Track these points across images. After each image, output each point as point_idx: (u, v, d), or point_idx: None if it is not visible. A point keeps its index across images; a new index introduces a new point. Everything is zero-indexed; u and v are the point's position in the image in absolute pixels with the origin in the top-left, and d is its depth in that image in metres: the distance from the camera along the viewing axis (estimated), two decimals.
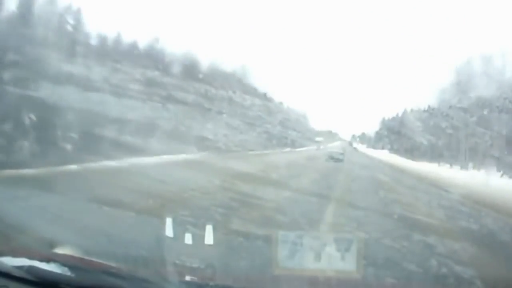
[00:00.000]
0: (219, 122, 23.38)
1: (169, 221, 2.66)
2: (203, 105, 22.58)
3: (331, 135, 36.94)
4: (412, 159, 28.52)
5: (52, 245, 2.88)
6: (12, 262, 2.19)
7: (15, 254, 2.30)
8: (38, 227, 4.21)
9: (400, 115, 33.36)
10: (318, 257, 2.49)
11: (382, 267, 3.99)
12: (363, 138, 40.39)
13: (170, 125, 19.32)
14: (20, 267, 2.15)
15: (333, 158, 24.17)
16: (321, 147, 33.01)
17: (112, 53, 20.42)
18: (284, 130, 29.30)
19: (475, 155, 23.15)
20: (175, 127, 19.58)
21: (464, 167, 23.50)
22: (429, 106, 29.33)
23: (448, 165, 24.97)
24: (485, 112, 22.76)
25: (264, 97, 28.77)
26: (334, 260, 2.47)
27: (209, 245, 2.71)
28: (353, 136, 40.50)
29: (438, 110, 27.44)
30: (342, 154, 26.17)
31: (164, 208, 6.29)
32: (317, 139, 34.73)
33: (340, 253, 2.47)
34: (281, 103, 30.91)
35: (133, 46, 22.36)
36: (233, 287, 2.38)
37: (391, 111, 35.18)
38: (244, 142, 24.58)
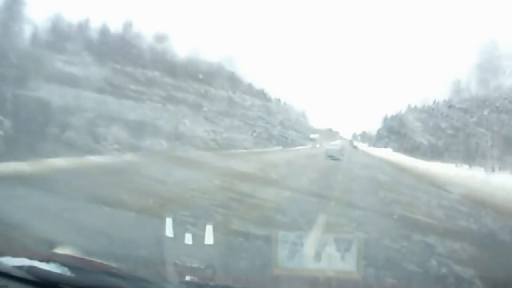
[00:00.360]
0: (200, 117, 22.17)
1: (169, 221, 2.66)
2: (184, 99, 21.17)
3: (331, 134, 35.86)
4: (422, 159, 25.04)
5: (52, 245, 2.88)
6: (12, 262, 2.20)
7: (15, 254, 2.31)
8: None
9: (403, 111, 31.40)
10: (318, 257, 2.49)
11: (382, 267, 3.98)
12: (364, 137, 39.44)
13: (137, 118, 17.95)
14: (20, 267, 2.16)
15: (331, 156, 23.55)
16: (317, 145, 31.10)
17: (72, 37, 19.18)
18: (282, 129, 28.36)
19: (502, 156, 18.70)
20: (144, 120, 18.24)
21: (490, 169, 18.59)
22: (434, 101, 26.95)
23: (467, 166, 20.50)
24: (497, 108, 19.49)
25: (262, 94, 27.96)
26: (334, 260, 2.47)
27: (209, 245, 2.72)
28: (354, 134, 39.64)
29: (450, 104, 24.18)
30: (341, 153, 25.16)
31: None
32: (312, 136, 32.78)
33: (340, 253, 2.47)
34: (279, 100, 30.05)
35: (103, 32, 21.01)
36: (233, 287, 2.38)
37: (394, 108, 33.41)
38: (232, 140, 23.59)
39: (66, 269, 2.15)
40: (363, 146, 37.29)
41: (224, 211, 6.65)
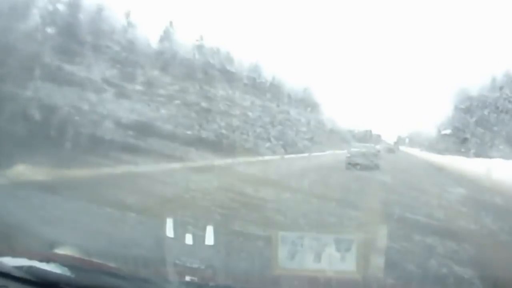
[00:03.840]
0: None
1: (169, 221, 2.66)
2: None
3: (371, 137, 27.75)
4: None
5: (52, 245, 2.88)
6: (12, 262, 2.20)
7: (15, 254, 2.31)
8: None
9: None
10: (318, 257, 2.49)
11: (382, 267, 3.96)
12: (412, 140, 30.23)
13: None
14: (20, 267, 2.16)
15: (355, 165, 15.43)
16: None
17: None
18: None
19: None
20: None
21: None
22: None
23: None
24: None
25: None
26: (334, 260, 2.47)
27: (210, 246, 2.71)
28: (399, 137, 30.42)
29: None
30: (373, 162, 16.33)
31: None
32: None
33: (340, 253, 2.47)
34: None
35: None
36: (233, 287, 2.38)
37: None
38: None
39: (66, 269, 2.15)
40: (416, 152, 27.77)
41: None
